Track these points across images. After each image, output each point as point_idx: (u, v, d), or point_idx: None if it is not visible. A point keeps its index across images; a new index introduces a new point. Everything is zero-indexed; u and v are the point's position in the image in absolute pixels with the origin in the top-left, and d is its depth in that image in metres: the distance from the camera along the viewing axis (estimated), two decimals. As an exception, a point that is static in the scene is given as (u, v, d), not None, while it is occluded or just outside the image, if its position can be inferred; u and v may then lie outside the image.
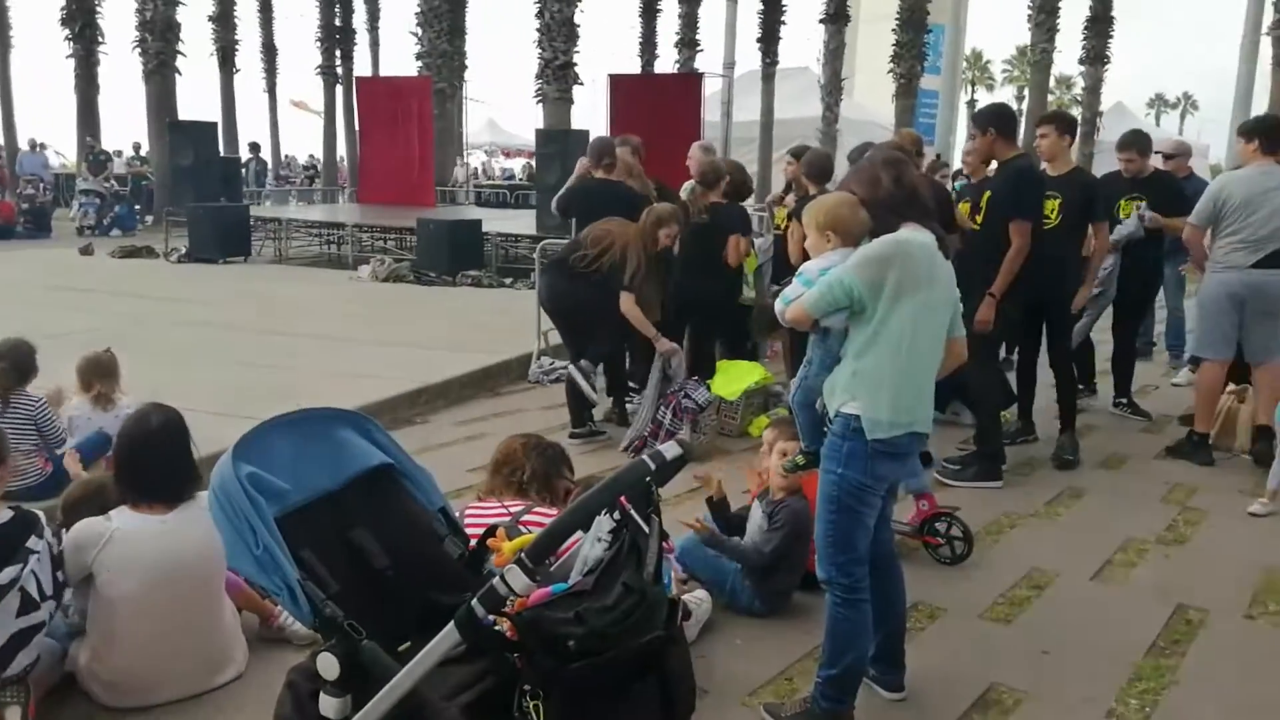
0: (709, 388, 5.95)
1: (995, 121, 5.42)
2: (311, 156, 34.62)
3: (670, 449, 2.11)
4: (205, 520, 2.72)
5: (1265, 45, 16.28)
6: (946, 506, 4.37)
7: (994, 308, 5.15)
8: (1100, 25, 23.09)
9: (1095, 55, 23.30)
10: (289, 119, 40.85)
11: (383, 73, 29.82)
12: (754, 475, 4.19)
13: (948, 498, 4.77)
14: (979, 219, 5.46)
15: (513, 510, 3.21)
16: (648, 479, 2.07)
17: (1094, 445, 6.06)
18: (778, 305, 3.00)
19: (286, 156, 34.97)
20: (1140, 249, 6.62)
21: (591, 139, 7.92)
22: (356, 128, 21.31)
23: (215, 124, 17.80)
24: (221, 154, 17.64)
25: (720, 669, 3.31)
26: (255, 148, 24.55)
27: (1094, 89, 23.83)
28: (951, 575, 4.16)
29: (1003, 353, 6.57)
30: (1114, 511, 4.98)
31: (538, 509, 3.30)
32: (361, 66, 29.86)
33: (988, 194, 5.43)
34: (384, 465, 2.49)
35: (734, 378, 6.22)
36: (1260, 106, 15.48)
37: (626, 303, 5.65)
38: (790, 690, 3.21)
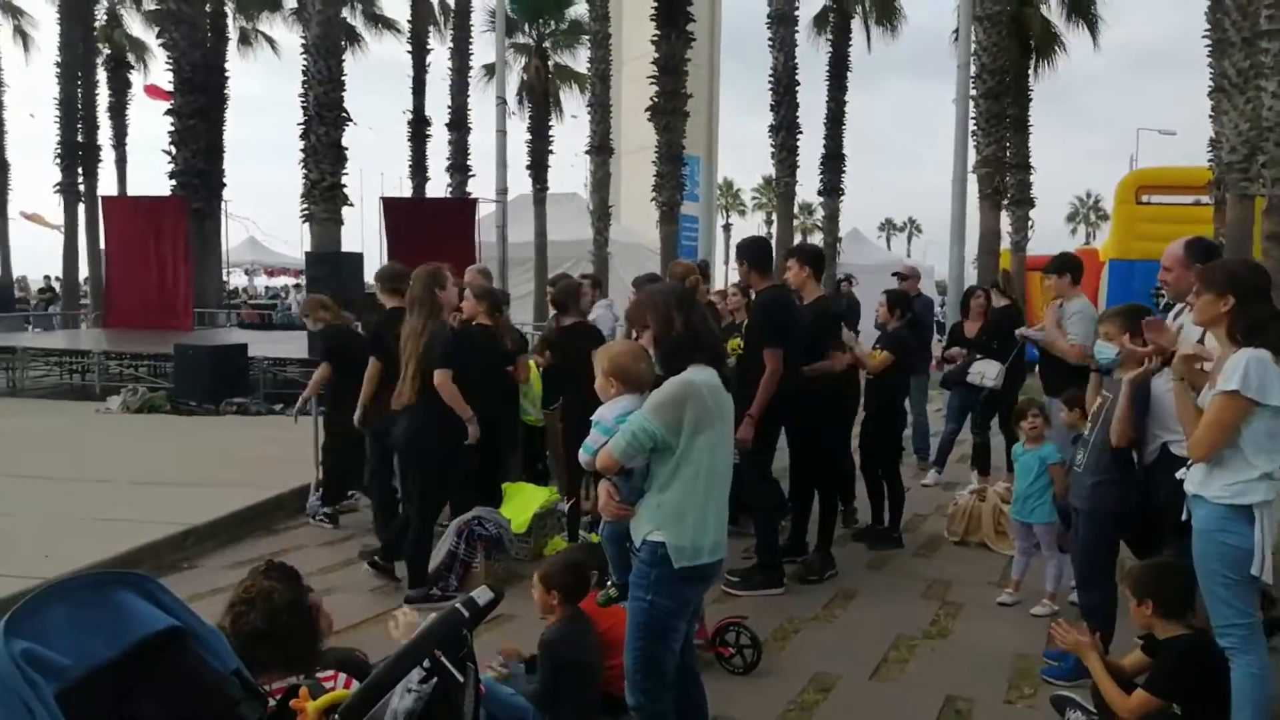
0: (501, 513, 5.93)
1: (748, 255, 5.82)
2: (48, 278, 31.83)
3: (482, 594, 2.11)
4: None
5: (974, 180, 18.84)
6: (736, 615, 4.55)
7: (752, 428, 5.37)
8: (834, 162, 25.68)
9: (831, 188, 25.81)
10: (22, 234, 37.08)
11: (130, 191, 28.18)
12: None
13: (735, 607, 4.97)
14: (743, 346, 5.81)
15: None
16: (463, 628, 2.07)
17: (858, 549, 6.50)
18: (583, 456, 3.09)
19: (19, 277, 31.95)
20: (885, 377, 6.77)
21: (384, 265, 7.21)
22: (102, 248, 19.92)
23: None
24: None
25: (530, 809, 3.25)
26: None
27: (833, 217, 26.25)
28: (745, 685, 4.30)
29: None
30: (883, 611, 5.34)
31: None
32: (107, 184, 28.08)
33: (745, 323, 5.84)
34: (169, 628, 2.33)
35: (521, 504, 6.21)
36: (973, 233, 17.69)
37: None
38: (601, 823, 3.20)
